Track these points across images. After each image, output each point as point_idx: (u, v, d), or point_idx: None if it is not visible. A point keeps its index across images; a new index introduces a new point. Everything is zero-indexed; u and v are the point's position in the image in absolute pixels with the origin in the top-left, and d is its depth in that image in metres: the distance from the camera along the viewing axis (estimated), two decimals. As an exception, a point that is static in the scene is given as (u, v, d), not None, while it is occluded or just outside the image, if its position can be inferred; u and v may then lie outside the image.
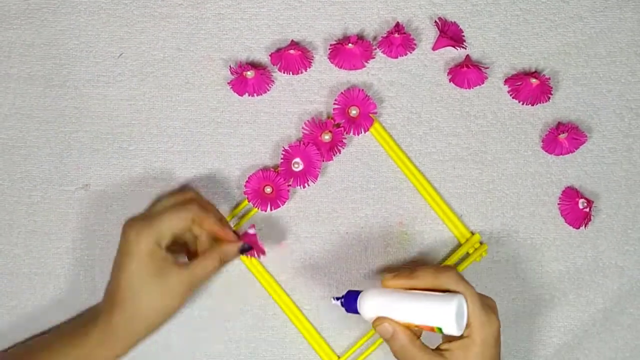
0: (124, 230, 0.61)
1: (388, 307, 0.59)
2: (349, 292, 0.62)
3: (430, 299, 0.57)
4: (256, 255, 0.64)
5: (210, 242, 0.63)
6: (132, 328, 0.60)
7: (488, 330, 0.56)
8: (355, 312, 0.61)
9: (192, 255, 0.65)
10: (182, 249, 0.65)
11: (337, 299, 0.62)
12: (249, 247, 0.63)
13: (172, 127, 0.70)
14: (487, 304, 0.58)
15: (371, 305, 0.60)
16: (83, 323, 0.63)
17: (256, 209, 0.68)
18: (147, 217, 0.61)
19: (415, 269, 0.60)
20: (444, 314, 0.56)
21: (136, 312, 0.59)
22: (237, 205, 0.69)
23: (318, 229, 0.70)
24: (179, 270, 0.60)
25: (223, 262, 0.62)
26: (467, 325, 0.57)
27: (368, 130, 0.69)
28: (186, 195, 0.65)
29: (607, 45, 0.71)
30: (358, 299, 0.60)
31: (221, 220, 0.64)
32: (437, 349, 0.58)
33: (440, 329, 0.57)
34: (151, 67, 0.71)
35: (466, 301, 0.57)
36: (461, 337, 0.57)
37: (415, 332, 0.59)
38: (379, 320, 0.59)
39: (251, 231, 0.63)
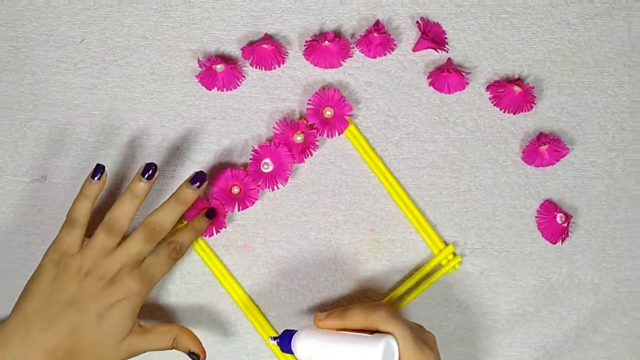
0: (114, 306, 0.59)
1: (319, 350, 0.58)
2: (285, 332, 0.61)
3: (358, 341, 0.56)
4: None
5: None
6: None
7: None
8: (291, 352, 0.60)
9: None
10: None
11: (274, 338, 0.61)
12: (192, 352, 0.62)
13: (135, 119, 0.67)
14: (421, 339, 0.57)
15: (303, 347, 0.59)
16: None
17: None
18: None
19: (347, 307, 0.59)
20: (370, 356, 0.55)
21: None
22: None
23: (286, 233, 0.67)
24: (134, 336, 0.60)
25: (175, 342, 0.61)
26: None
27: (342, 132, 0.66)
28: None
29: (594, 55, 0.68)
30: (292, 340, 0.60)
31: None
32: None
33: None
34: (114, 55, 0.67)
35: (397, 341, 0.56)
36: None
37: None
38: None
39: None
